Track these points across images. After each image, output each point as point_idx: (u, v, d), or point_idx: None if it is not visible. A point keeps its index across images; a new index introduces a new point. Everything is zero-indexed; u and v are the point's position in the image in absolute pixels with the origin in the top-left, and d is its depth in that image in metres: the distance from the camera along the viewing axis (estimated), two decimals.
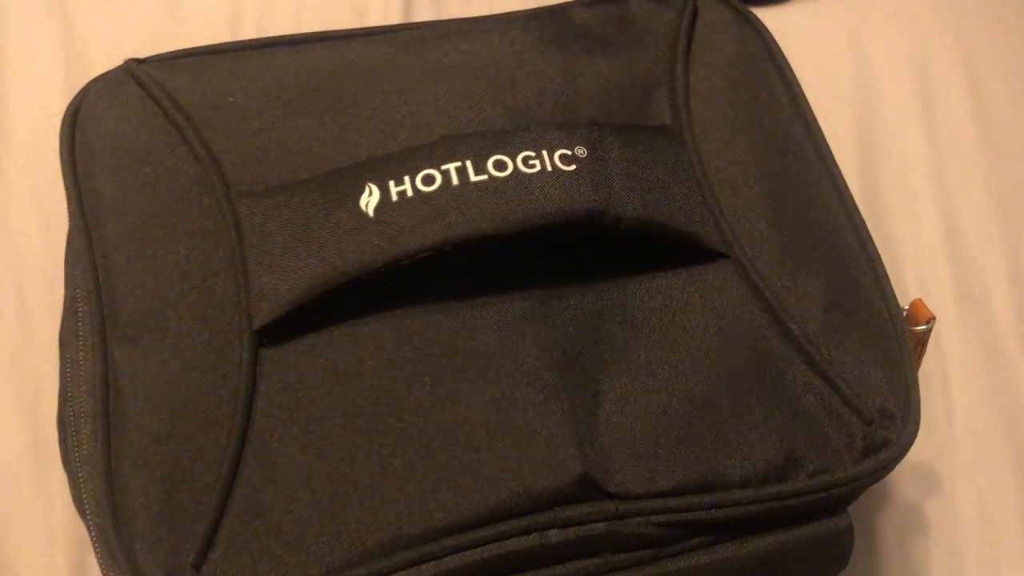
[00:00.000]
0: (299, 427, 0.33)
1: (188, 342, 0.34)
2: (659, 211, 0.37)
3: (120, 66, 0.40)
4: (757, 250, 0.38)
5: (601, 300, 0.37)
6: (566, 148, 0.36)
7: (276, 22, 0.55)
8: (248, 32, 0.55)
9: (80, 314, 0.35)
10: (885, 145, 0.55)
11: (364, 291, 0.35)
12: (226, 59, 0.40)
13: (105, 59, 0.54)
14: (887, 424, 0.35)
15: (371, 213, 0.35)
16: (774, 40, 0.43)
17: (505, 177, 0.35)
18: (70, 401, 0.35)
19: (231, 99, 0.39)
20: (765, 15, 0.47)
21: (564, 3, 0.44)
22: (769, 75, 0.42)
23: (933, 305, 0.51)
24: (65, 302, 0.38)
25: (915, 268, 0.52)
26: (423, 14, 0.56)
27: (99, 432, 0.33)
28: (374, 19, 0.55)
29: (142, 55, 0.54)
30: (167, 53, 0.41)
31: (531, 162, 0.35)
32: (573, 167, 0.36)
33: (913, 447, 0.48)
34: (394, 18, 0.55)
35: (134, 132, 0.38)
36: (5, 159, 0.51)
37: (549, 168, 0.35)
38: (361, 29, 0.42)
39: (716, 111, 0.41)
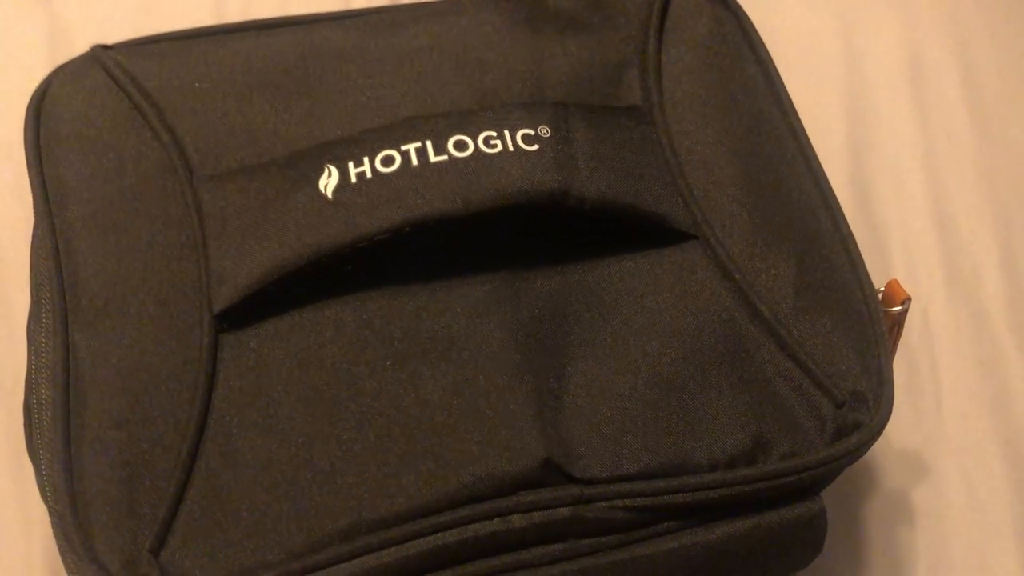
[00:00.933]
0: (259, 412, 0.33)
1: (149, 327, 0.34)
2: (625, 192, 0.36)
3: (86, 53, 0.40)
4: (727, 231, 0.37)
5: (567, 282, 0.36)
6: (529, 128, 0.35)
7: (261, 11, 0.55)
8: (233, 19, 0.55)
9: (43, 301, 0.35)
10: (875, 129, 0.55)
11: (325, 274, 0.35)
12: (194, 44, 0.40)
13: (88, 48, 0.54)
14: (859, 406, 0.34)
15: (330, 195, 0.34)
16: (749, 20, 0.42)
17: (465, 157, 0.35)
18: (35, 388, 0.35)
19: (197, 84, 0.38)
20: None
21: None
22: (743, 55, 0.41)
23: (922, 290, 0.50)
24: (31, 290, 0.38)
25: (904, 253, 0.51)
26: None
27: (58, 418, 0.33)
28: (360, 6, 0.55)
29: None
30: (135, 39, 0.41)
31: (492, 142, 0.35)
32: (535, 147, 0.35)
33: (900, 433, 0.47)
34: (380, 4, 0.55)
35: (98, 118, 0.38)
36: None
37: (511, 148, 0.35)
38: (330, 13, 0.42)
39: (688, 91, 0.40)
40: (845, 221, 0.38)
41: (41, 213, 0.36)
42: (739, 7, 0.43)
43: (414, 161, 0.34)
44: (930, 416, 0.47)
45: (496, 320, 0.35)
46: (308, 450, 0.32)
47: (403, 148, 0.35)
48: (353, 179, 0.34)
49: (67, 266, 0.35)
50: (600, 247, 0.37)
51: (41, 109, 0.38)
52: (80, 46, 0.54)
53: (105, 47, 0.40)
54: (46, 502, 0.34)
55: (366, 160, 0.35)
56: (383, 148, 0.35)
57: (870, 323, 0.36)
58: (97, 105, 0.38)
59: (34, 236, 0.38)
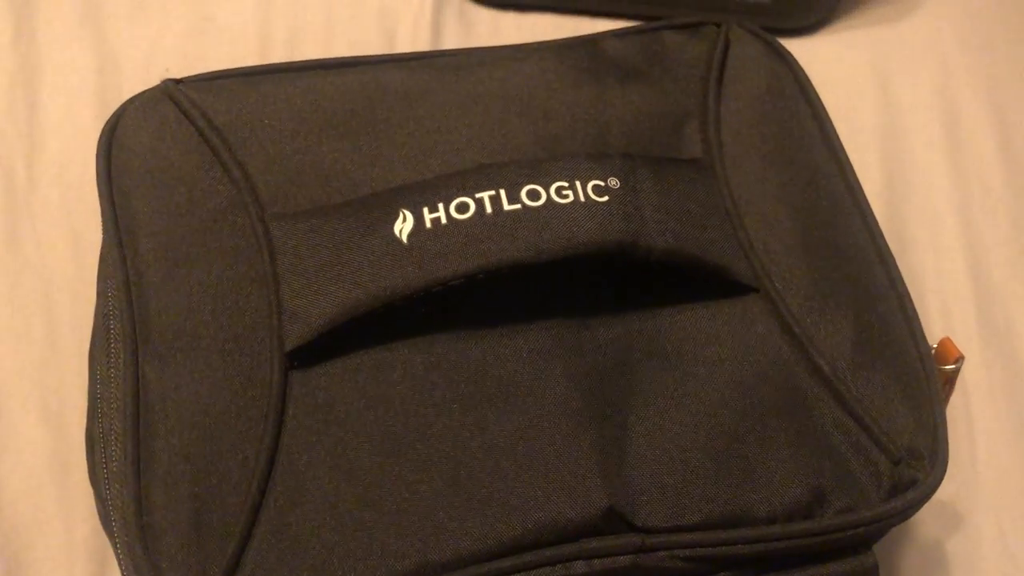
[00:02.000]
0: (327, 450, 0.33)
1: (219, 362, 0.34)
2: (690, 243, 0.37)
3: (157, 86, 0.40)
4: (787, 285, 0.38)
5: (630, 331, 0.37)
6: (599, 179, 0.36)
7: (306, 41, 0.56)
8: (278, 51, 0.55)
9: (112, 331, 0.36)
10: (910, 179, 0.55)
11: (394, 316, 0.35)
12: (262, 81, 0.40)
13: (137, 75, 0.55)
14: (915, 463, 0.35)
15: (404, 239, 0.35)
16: (805, 74, 0.43)
17: (539, 207, 0.35)
18: (100, 417, 0.35)
19: (266, 121, 0.39)
20: (790, 46, 0.47)
21: (596, 33, 0.44)
22: (800, 110, 0.42)
23: (957, 340, 0.50)
24: (96, 318, 0.38)
25: (940, 302, 0.52)
26: (451, 34, 0.56)
27: (129, 450, 0.33)
28: (403, 39, 0.56)
29: (173, 71, 0.54)
30: (204, 74, 0.41)
31: (564, 192, 0.36)
32: (606, 198, 0.36)
33: None
34: (423, 38, 0.55)
35: (169, 151, 0.38)
36: (36, 171, 0.51)
37: (582, 199, 0.35)
38: (395, 55, 0.42)
39: (747, 144, 0.41)
40: (901, 278, 0.39)
41: (112, 244, 0.37)
42: (795, 61, 0.43)
43: (488, 209, 0.35)
44: (964, 468, 0.48)
45: (560, 367, 0.35)
46: (376, 490, 0.33)
47: (477, 196, 0.35)
48: (428, 224, 0.35)
49: (138, 298, 0.35)
50: (662, 297, 0.37)
51: (112, 140, 0.39)
52: (128, 72, 0.55)
53: (176, 81, 0.40)
54: (107, 529, 0.34)
55: (441, 206, 0.35)
56: (458, 195, 0.35)
57: (925, 380, 0.36)
58: (168, 139, 0.38)
59: (101, 264, 0.38)
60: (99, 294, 0.38)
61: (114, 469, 0.33)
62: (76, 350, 0.46)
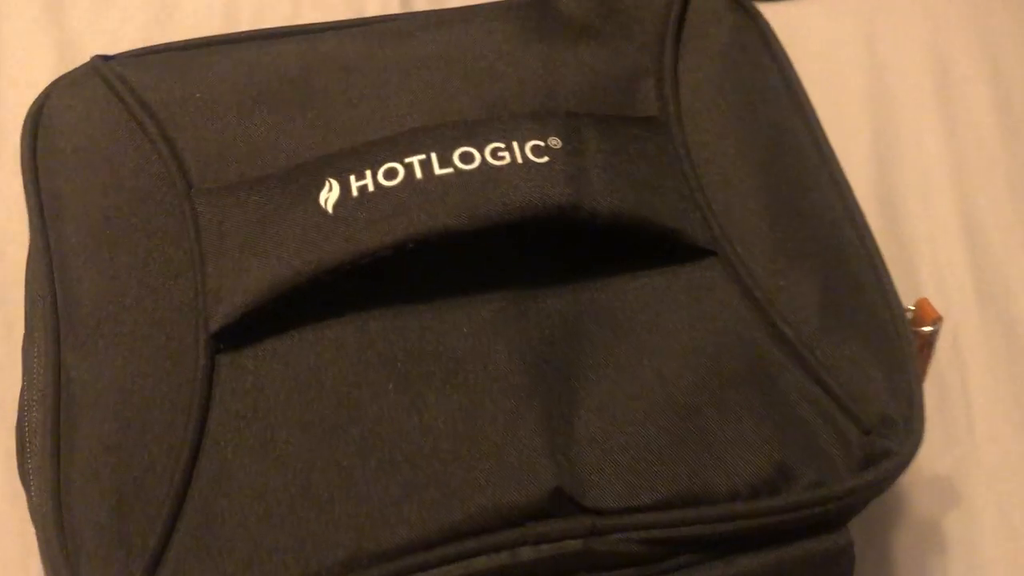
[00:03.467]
0: (255, 437, 0.31)
1: (143, 347, 0.33)
2: (640, 205, 0.34)
3: (85, 64, 0.39)
4: (748, 247, 0.36)
5: (579, 301, 0.34)
6: (538, 139, 0.34)
7: (272, 19, 0.54)
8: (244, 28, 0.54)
9: (35, 320, 0.34)
10: (901, 141, 0.53)
11: (326, 292, 0.33)
12: (196, 55, 0.39)
13: None
14: (888, 432, 0.33)
15: (330, 209, 0.33)
16: (770, 27, 0.41)
17: (472, 170, 0.33)
18: (26, 412, 0.33)
19: (198, 95, 0.37)
20: (776, 8, 0.45)
21: None
22: (764, 64, 0.40)
23: (952, 308, 0.48)
24: (25, 309, 0.36)
25: (933, 269, 0.49)
26: (422, 5, 0.54)
27: (48, 443, 0.31)
28: (372, 7, 0.54)
29: None
30: (135, 50, 0.40)
31: (500, 154, 0.34)
32: (546, 159, 0.34)
33: (930, 458, 0.45)
34: (392, 6, 0.54)
35: (97, 130, 0.37)
36: None
37: (520, 160, 0.34)
38: (335, 22, 0.41)
39: (707, 102, 0.38)
40: (871, 236, 0.36)
41: (36, 228, 0.35)
42: (759, 14, 0.41)
43: (418, 174, 0.33)
44: (961, 440, 0.45)
45: (504, 341, 0.33)
46: (306, 477, 0.31)
47: (407, 160, 0.33)
48: (355, 193, 0.33)
49: (61, 284, 0.34)
50: (613, 264, 0.35)
51: (39, 121, 0.37)
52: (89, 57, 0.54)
53: (105, 58, 0.39)
54: (35, 528, 0.33)
55: (368, 173, 0.33)
56: (386, 161, 0.33)
57: (899, 344, 0.34)
58: (95, 117, 0.37)
59: (30, 252, 0.37)
60: (26, 283, 0.37)
61: (36, 464, 0.32)
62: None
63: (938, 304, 0.40)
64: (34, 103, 0.38)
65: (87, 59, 0.53)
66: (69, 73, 0.39)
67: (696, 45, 0.40)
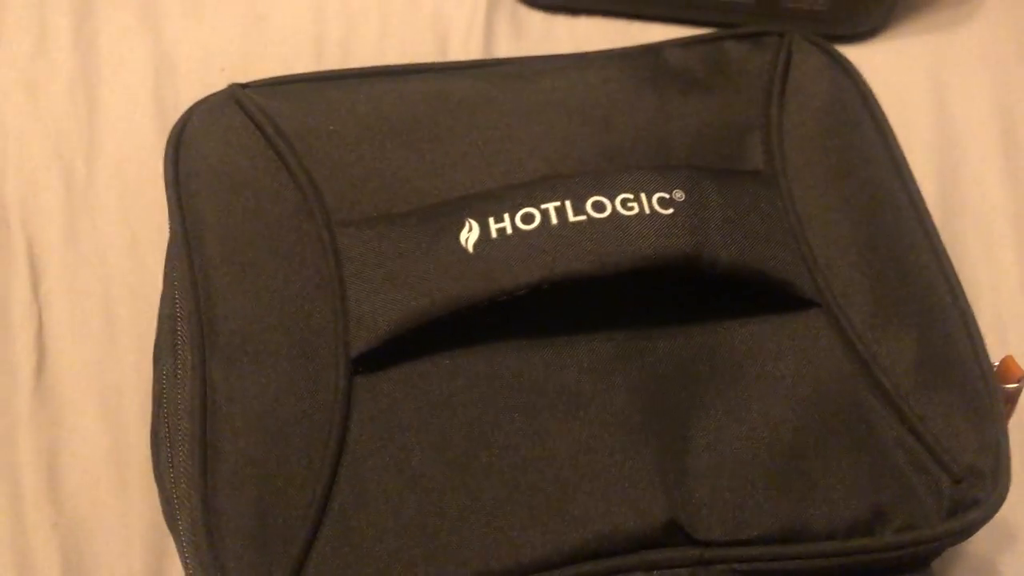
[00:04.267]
0: (391, 456, 0.34)
1: (285, 366, 0.35)
2: (754, 257, 0.37)
3: (224, 90, 0.41)
4: (849, 300, 0.38)
5: (692, 343, 0.37)
6: (664, 191, 0.36)
7: (359, 43, 0.56)
8: (332, 51, 0.56)
9: (179, 333, 0.36)
10: (965, 191, 0.54)
11: (457, 323, 0.35)
12: (327, 87, 0.41)
13: (193, 74, 0.55)
14: (976, 482, 0.35)
15: (471, 248, 0.35)
16: (868, 86, 0.43)
17: (604, 218, 0.35)
18: (165, 417, 0.36)
19: (331, 127, 0.39)
20: (845, 50, 0.47)
21: (658, 43, 0.44)
22: (863, 122, 0.42)
23: (1013, 355, 0.50)
24: (160, 319, 0.38)
25: (994, 317, 0.51)
26: (503, 37, 0.56)
27: (196, 452, 0.33)
28: (456, 44, 0.56)
29: (228, 71, 0.55)
30: (269, 79, 0.42)
31: (629, 204, 0.36)
32: (671, 211, 0.36)
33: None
34: (476, 40, 0.56)
35: (237, 156, 0.39)
36: (95, 169, 0.52)
37: (647, 211, 0.36)
38: (458, 63, 0.43)
39: (810, 157, 0.41)
40: (964, 295, 0.39)
41: (180, 246, 0.37)
42: (858, 73, 0.43)
43: (553, 220, 0.35)
44: (1019, 482, 0.47)
45: (622, 378, 0.35)
46: (439, 497, 0.33)
47: (543, 206, 0.35)
48: (494, 234, 0.35)
49: (205, 301, 0.36)
50: (724, 310, 0.37)
51: (180, 144, 0.39)
52: (184, 71, 0.56)
53: (242, 85, 0.41)
54: (172, 527, 0.35)
55: (507, 216, 0.35)
56: (523, 205, 0.36)
57: (987, 399, 0.36)
58: (235, 143, 0.39)
59: (168, 266, 0.39)
60: (164, 296, 0.39)
61: (181, 469, 0.34)
62: (134, 347, 0.47)
63: (997, 351, 0.42)
64: (175, 126, 0.40)
65: (180, 68, 0.55)
66: (208, 98, 0.41)
67: (799, 101, 0.42)
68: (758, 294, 0.37)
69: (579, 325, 0.36)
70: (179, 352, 0.36)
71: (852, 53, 0.57)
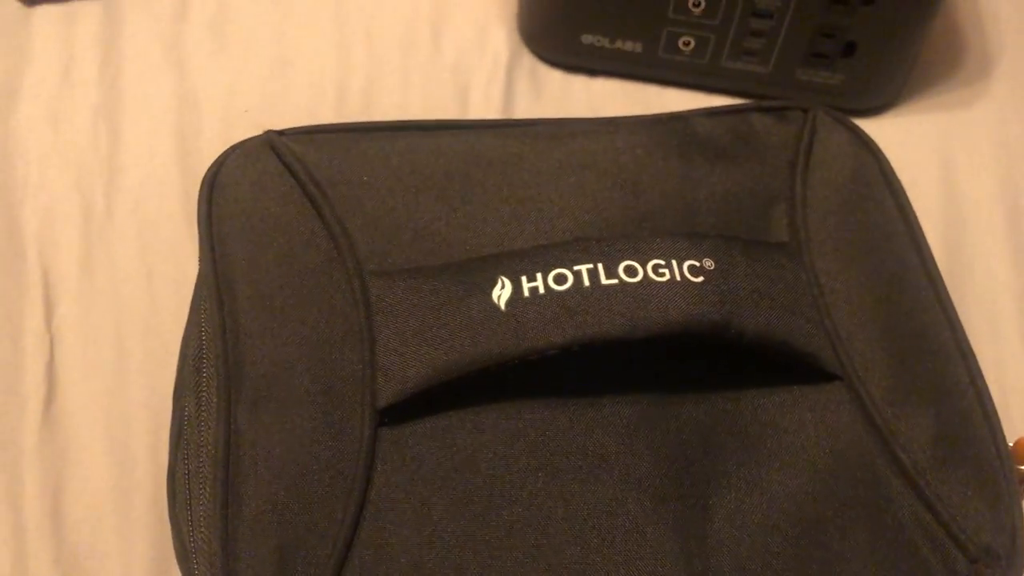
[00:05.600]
0: (413, 509, 0.34)
1: (311, 413, 0.35)
2: (780, 328, 0.37)
3: (259, 136, 0.41)
4: (869, 375, 0.38)
5: (715, 411, 0.37)
6: (695, 259, 0.37)
7: (381, 92, 0.57)
8: (354, 99, 0.57)
9: (204, 374, 0.36)
10: (972, 267, 0.55)
11: (484, 380, 0.36)
12: (360, 138, 0.41)
13: (215, 113, 0.56)
14: (992, 563, 0.35)
15: (503, 306, 0.35)
16: (889, 164, 0.44)
17: (635, 283, 0.36)
18: (185, 458, 0.35)
19: (365, 178, 0.40)
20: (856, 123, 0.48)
21: (685, 112, 0.45)
22: (884, 199, 0.43)
23: (1017, 433, 0.50)
24: (183, 357, 0.38)
25: (999, 393, 0.52)
26: (522, 93, 0.57)
27: (219, 496, 0.33)
28: (476, 97, 0.57)
29: (252, 112, 0.56)
30: (304, 127, 0.42)
31: (661, 270, 0.36)
32: (701, 278, 0.36)
33: None
34: (496, 95, 0.57)
35: (270, 201, 0.39)
36: (114, 203, 0.52)
37: (678, 278, 0.36)
38: (490, 121, 0.43)
39: (832, 231, 0.41)
40: (981, 374, 0.39)
41: (210, 288, 0.37)
42: (879, 150, 0.44)
43: (586, 282, 0.36)
44: None
45: (645, 442, 0.36)
46: (459, 553, 0.33)
47: (575, 268, 0.36)
48: (526, 293, 0.35)
49: (233, 345, 0.36)
50: (747, 379, 0.38)
51: (215, 186, 0.39)
52: (207, 110, 0.56)
53: (278, 132, 0.41)
54: (184, 570, 0.35)
55: (539, 276, 0.36)
56: (556, 266, 0.36)
57: (1003, 480, 0.37)
58: (269, 189, 0.39)
59: (195, 306, 0.39)
60: (188, 336, 0.39)
61: (201, 513, 0.34)
62: (144, 383, 0.47)
63: (1009, 431, 0.43)
64: (210, 168, 0.40)
65: (203, 107, 0.56)
66: (243, 142, 0.41)
67: (823, 175, 0.43)
68: (781, 365, 0.38)
69: (605, 387, 0.37)
70: (203, 394, 0.36)
71: (863, 127, 0.58)
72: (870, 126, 0.59)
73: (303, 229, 0.38)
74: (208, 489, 0.34)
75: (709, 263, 0.37)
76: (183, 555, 0.34)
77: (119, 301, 0.49)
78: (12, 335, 0.48)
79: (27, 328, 0.48)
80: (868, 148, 0.44)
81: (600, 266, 0.36)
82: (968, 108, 0.60)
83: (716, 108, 0.45)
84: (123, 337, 0.48)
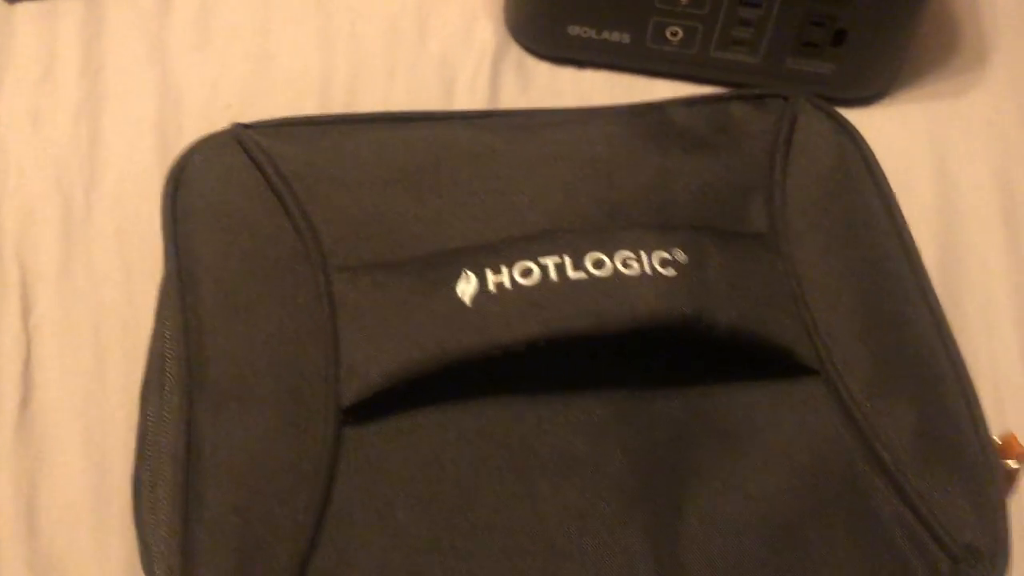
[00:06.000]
0: (377, 511, 0.33)
1: (273, 413, 0.34)
2: (754, 322, 0.36)
3: (226, 130, 0.41)
4: (849, 369, 0.37)
5: (689, 407, 0.36)
6: (665, 251, 0.36)
7: (366, 85, 0.56)
8: (338, 92, 0.56)
9: (168, 373, 0.36)
10: (965, 260, 0.54)
11: (449, 377, 0.35)
12: (329, 130, 0.41)
13: (197, 109, 0.55)
14: (975, 563, 0.34)
15: (467, 301, 0.35)
16: (872, 152, 0.43)
17: (603, 276, 0.35)
18: (148, 460, 0.35)
19: (333, 172, 0.39)
20: (847, 113, 0.47)
21: (663, 100, 0.44)
22: (866, 188, 0.42)
23: (1009, 427, 0.49)
24: (150, 357, 0.38)
25: (993, 391, 0.51)
26: (509, 85, 0.56)
27: (178, 499, 0.33)
28: (462, 88, 0.56)
29: (234, 107, 0.55)
30: (272, 120, 0.41)
31: (630, 263, 0.35)
32: (671, 271, 0.36)
33: None
34: (482, 87, 0.56)
35: (236, 196, 0.38)
36: (93, 201, 0.52)
37: (648, 271, 0.35)
38: (462, 112, 0.43)
39: (812, 222, 0.40)
40: (964, 368, 0.38)
41: (172, 286, 0.37)
42: (862, 138, 0.43)
43: (552, 275, 0.35)
44: (1016, 564, 0.46)
45: (616, 440, 0.35)
46: (424, 556, 0.32)
47: (542, 261, 0.35)
48: (491, 287, 0.35)
49: (196, 343, 0.36)
50: (721, 373, 0.37)
51: (180, 182, 0.39)
52: (189, 106, 0.56)
53: (245, 125, 0.41)
54: (148, 574, 0.34)
55: (504, 270, 0.35)
56: (522, 259, 0.35)
57: (987, 476, 0.36)
58: (234, 183, 0.39)
59: (160, 305, 0.38)
60: (155, 335, 0.38)
61: (161, 516, 0.33)
62: (122, 384, 0.46)
63: (995, 425, 0.42)
64: (175, 163, 0.40)
65: (185, 100, 0.55)
66: (209, 136, 0.41)
67: (802, 165, 0.42)
68: (757, 359, 0.37)
69: (574, 384, 0.36)
70: (166, 394, 0.35)
71: (855, 117, 0.57)
72: (862, 116, 0.58)
73: (268, 224, 0.38)
74: (168, 491, 0.33)
75: (680, 255, 0.36)
76: (147, 561, 0.34)
77: (97, 301, 0.49)
78: None
79: (4, 328, 0.48)
80: (850, 136, 0.43)
81: (567, 259, 0.35)
82: (962, 97, 0.59)
83: (694, 97, 0.44)
84: (101, 338, 0.48)
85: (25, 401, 0.46)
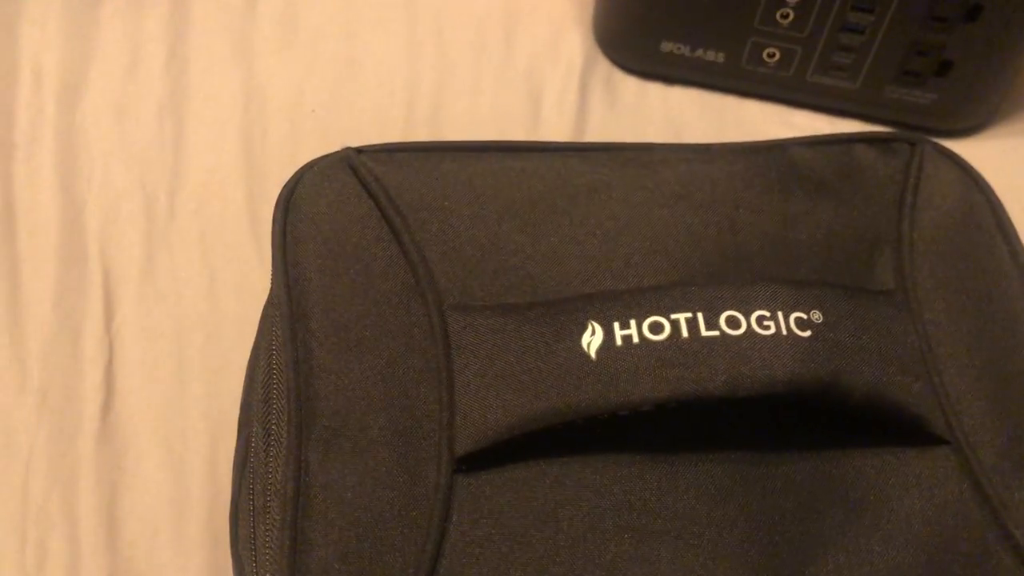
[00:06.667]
0: (491, 566, 0.32)
1: (384, 455, 0.33)
2: (888, 388, 0.35)
3: (336, 153, 0.39)
4: (979, 440, 0.36)
5: (815, 473, 0.35)
6: (802, 311, 0.34)
7: (451, 95, 0.55)
8: (423, 102, 0.55)
9: (274, 406, 0.35)
10: None
11: (569, 431, 0.34)
12: (442, 158, 0.39)
13: (282, 111, 0.54)
14: None
15: (593, 355, 0.33)
16: (1001, 205, 0.41)
17: (738, 336, 0.34)
18: (251, 492, 0.34)
19: (446, 203, 0.38)
20: (950, 145, 0.46)
21: (784, 140, 0.42)
22: (996, 245, 0.40)
23: None
24: (251, 380, 0.37)
25: None
26: (596, 100, 0.55)
27: (286, 541, 0.32)
28: (549, 104, 0.55)
29: (319, 112, 0.54)
30: (383, 144, 0.40)
31: (766, 323, 0.34)
32: (808, 333, 0.34)
33: None
34: (570, 102, 0.55)
35: (347, 224, 0.37)
36: (177, 202, 0.51)
37: (784, 331, 0.34)
38: (577, 144, 0.42)
39: (941, 280, 0.39)
40: None
41: (283, 315, 0.36)
42: (991, 190, 0.41)
43: (684, 332, 0.33)
44: None
45: (738, 506, 0.33)
46: None
47: (673, 316, 0.34)
48: (619, 341, 0.33)
49: (305, 379, 0.34)
50: (850, 439, 0.35)
51: (290, 205, 0.38)
52: (273, 108, 0.55)
53: (357, 150, 0.39)
54: None
55: (633, 323, 0.34)
56: (652, 313, 0.34)
57: None
58: (347, 211, 0.37)
59: (263, 328, 0.37)
60: (256, 359, 0.37)
61: (267, 556, 0.32)
62: (203, 392, 0.46)
63: None
64: (286, 185, 0.38)
65: (271, 104, 0.54)
66: (320, 159, 0.39)
67: (931, 216, 0.40)
68: (885, 425, 0.35)
69: (698, 444, 0.34)
70: (272, 427, 0.34)
71: (955, 148, 0.56)
72: (960, 148, 0.56)
73: (382, 255, 0.36)
74: (275, 532, 0.32)
75: (817, 315, 0.34)
76: None
77: (179, 308, 0.48)
78: (72, 337, 0.47)
79: (87, 331, 0.47)
80: (978, 186, 0.41)
81: (700, 315, 0.34)
82: None
83: (817, 137, 0.42)
84: (183, 343, 0.47)
85: (106, 407, 0.46)
